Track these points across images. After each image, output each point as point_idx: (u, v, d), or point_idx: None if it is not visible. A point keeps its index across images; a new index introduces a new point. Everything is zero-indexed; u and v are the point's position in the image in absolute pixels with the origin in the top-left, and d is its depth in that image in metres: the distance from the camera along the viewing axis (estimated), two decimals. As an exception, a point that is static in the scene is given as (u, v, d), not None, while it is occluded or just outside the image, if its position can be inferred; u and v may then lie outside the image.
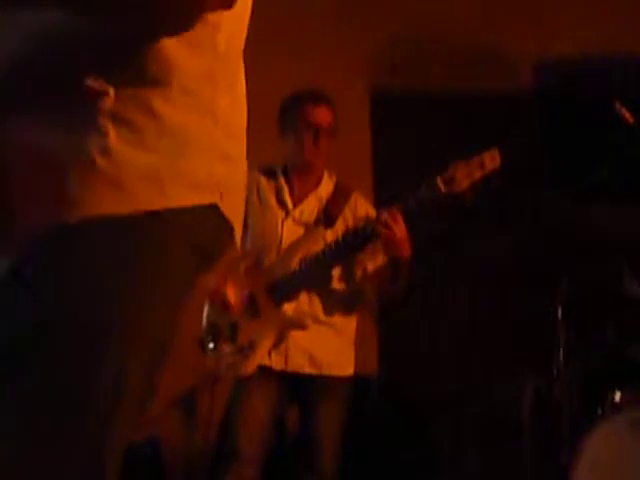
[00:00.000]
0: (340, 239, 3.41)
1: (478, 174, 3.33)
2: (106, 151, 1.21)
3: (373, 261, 3.49)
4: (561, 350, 3.72)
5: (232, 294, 3.39)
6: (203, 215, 1.31)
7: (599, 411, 3.54)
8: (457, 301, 4.90)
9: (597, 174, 3.87)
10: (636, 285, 3.79)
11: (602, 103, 3.62)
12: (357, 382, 3.63)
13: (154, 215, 1.23)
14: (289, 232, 3.47)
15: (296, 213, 3.49)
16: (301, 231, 3.48)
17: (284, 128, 3.55)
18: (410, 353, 4.88)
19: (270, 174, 3.56)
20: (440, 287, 4.90)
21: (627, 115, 3.56)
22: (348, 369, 3.50)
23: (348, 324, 3.52)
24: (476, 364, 4.74)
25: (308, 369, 3.43)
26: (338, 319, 3.48)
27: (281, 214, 3.48)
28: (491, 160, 3.34)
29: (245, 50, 1.39)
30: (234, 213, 1.38)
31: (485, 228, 4.81)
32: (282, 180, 3.52)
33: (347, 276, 3.51)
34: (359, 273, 3.52)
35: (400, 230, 3.29)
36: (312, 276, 3.43)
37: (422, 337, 4.89)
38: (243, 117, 1.42)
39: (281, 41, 4.99)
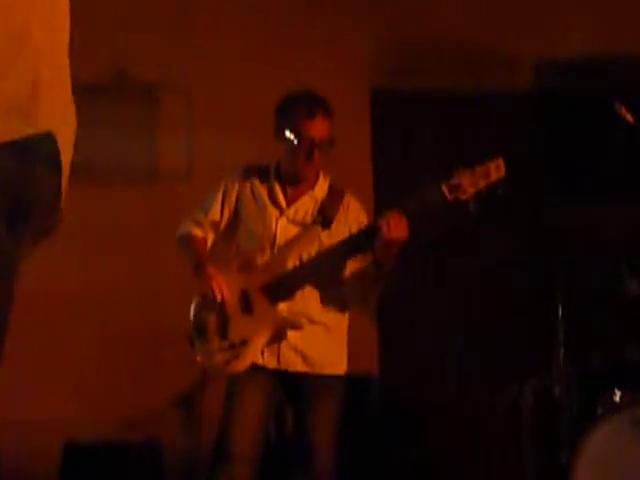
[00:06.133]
0: (346, 239, 3.41)
1: (483, 183, 3.34)
2: None
3: (354, 263, 3.47)
4: (561, 350, 3.73)
5: (224, 290, 3.38)
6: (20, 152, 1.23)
7: (599, 411, 3.54)
8: (457, 301, 4.90)
9: (597, 174, 3.88)
10: (636, 285, 3.79)
11: (602, 103, 3.62)
12: (357, 382, 3.63)
13: None
14: (283, 231, 3.46)
15: (290, 212, 3.48)
16: (295, 230, 3.47)
17: (278, 133, 3.46)
18: (410, 353, 4.88)
19: (263, 174, 3.53)
20: (440, 287, 4.90)
21: (627, 115, 3.57)
22: (341, 367, 3.50)
23: (340, 323, 3.51)
24: (476, 364, 4.74)
25: (301, 368, 3.43)
26: (331, 318, 3.48)
27: (275, 213, 3.47)
28: (496, 170, 3.35)
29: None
30: (64, 144, 1.31)
31: (485, 228, 4.81)
32: (275, 182, 3.50)
33: (336, 277, 3.50)
34: (344, 274, 3.50)
35: (402, 231, 3.28)
36: (311, 275, 3.42)
37: (422, 337, 4.89)
38: (64, 63, 1.35)
39: (282, 41, 4.99)
